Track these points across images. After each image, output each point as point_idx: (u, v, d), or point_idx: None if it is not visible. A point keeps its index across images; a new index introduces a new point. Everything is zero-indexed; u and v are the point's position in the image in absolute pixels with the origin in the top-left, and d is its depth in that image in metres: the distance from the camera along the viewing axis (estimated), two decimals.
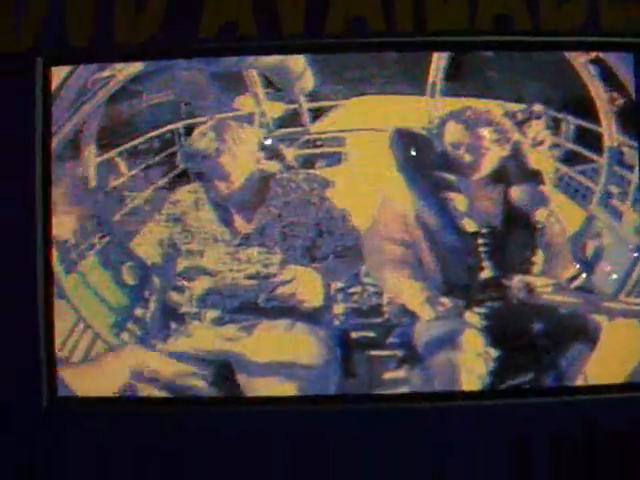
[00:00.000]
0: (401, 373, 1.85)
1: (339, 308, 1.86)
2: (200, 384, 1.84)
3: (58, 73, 1.89)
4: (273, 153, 1.85)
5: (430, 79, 1.87)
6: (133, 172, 1.87)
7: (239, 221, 1.85)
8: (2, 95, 1.88)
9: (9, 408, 1.86)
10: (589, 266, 1.89)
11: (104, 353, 1.86)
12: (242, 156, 1.85)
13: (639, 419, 1.87)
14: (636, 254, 1.89)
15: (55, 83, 1.89)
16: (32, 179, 1.87)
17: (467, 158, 1.89)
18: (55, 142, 1.88)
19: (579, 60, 1.89)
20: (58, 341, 1.85)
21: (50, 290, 1.86)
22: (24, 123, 1.88)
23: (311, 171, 1.86)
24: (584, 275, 1.89)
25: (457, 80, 1.88)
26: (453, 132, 1.88)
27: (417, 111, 1.87)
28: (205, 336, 1.85)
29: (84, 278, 1.87)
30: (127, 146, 1.87)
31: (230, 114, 1.86)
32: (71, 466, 1.87)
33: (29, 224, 1.86)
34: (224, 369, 1.84)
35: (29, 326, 1.84)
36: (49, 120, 1.89)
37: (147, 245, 1.86)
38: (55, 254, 1.86)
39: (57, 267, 1.86)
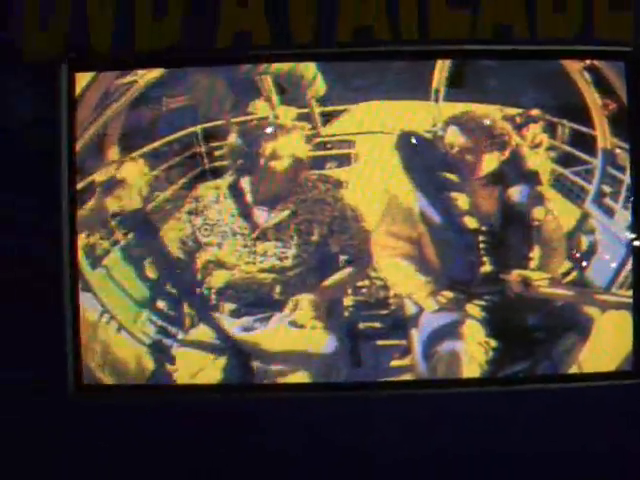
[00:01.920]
0: (406, 361, 1.96)
1: (348, 301, 1.97)
2: (219, 372, 1.96)
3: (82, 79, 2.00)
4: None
5: (434, 85, 1.96)
6: (155, 172, 1.98)
7: (258, 216, 1.96)
8: (31, 99, 2.00)
9: (37, 394, 1.96)
10: (583, 261, 2.00)
11: (127, 343, 1.97)
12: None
13: (630, 404, 1.98)
14: (627, 249, 1.99)
15: (79, 88, 2.00)
16: (58, 180, 1.96)
17: (468, 159, 1.99)
18: (80, 144, 1.98)
19: (574, 68, 1.99)
20: (84, 332, 1.96)
21: (76, 283, 1.96)
22: (51, 125, 1.98)
23: (324, 172, 1.96)
24: (578, 269, 2.00)
25: (459, 86, 1.97)
26: (455, 135, 1.98)
27: (421, 115, 1.97)
28: (223, 327, 1.96)
29: (109, 272, 1.97)
30: (148, 148, 1.99)
31: (246, 117, 1.97)
32: (94, 452, 1.97)
33: (56, 223, 1.96)
34: (241, 358, 1.95)
35: (57, 317, 1.95)
36: (74, 123, 1.98)
37: (169, 240, 1.97)
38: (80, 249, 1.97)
39: (83, 262, 1.97)
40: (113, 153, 1.99)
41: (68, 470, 1.96)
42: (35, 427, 1.98)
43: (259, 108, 1.96)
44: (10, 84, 2.02)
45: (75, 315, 1.96)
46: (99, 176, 1.98)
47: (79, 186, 1.97)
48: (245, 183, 1.96)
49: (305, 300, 1.94)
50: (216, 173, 1.96)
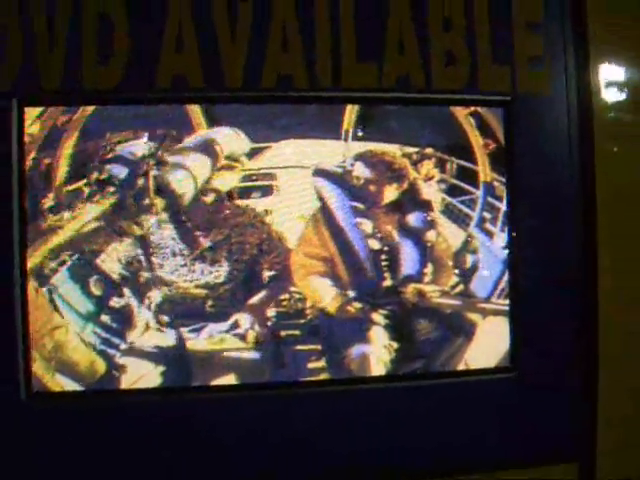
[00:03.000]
0: (321, 363, 2.24)
1: (271, 311, 2.23)
2: (157, 377, 2.18)
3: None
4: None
5: (344, 126, 2.25)
6: (96, 198, 2.18)
7: (196, 238, 2.19)
8: None
9: None
10: (468, 275, 2.33)
11: (74, 352, 2.16)
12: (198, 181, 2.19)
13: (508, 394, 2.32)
14: (504, 266, 2.34)
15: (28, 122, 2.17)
16: (9, 208, 2.12)
17: (372, 190, 2.28)
18: (28, 173, 2.15)
19: (461, 113, 2.32)
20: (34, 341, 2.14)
21: (25, 299, 2.13)
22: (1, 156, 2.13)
23: (250, 201, 2.22)
24: (464, 283, 2.32)
25: (366, 128, 2.27)
26: (361, 169, 2.27)
27: (333, 152, 2.25)
28: (161, 336, 2.19)
29: (57, 290, 2.16)
30: (93, 178, 2.18)
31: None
32: (47, 457, 2.11)
33: (7, 246, 2.12)
34: (178, 364, 2.18)
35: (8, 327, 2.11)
36: (23, 154, 2.15)
37: (111, 261, 2.18)
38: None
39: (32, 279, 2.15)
40: (60, 181, 2.17)
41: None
42: None
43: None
44: None
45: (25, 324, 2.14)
46: (48, 201, 2.17)
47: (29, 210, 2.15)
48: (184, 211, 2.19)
49: (243, 318, 2.20)
50: (157, 202, 2.18)
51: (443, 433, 2.28)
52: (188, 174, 2.20)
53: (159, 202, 2.18)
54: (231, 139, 2.22)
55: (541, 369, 2.33)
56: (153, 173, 2.18)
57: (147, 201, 2.17)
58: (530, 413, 2.34)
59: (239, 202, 2.22)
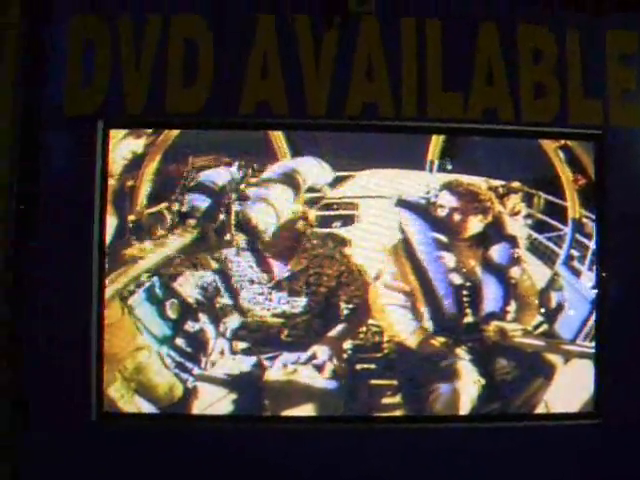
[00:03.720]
0: (397, 399, 2.19)
1: (347, 344, 2.19)
2: (230, 404, 2.16)
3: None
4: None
5: (429, 157, 2.22)
6: (178, 231, 2.17)
7: (274, 268, 2.18)
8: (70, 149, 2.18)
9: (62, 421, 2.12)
10: (552, 315, 2.24)
11: (147, 375, 2.17)
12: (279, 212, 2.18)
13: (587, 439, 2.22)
14: (591, 306, 2.24)
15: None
16: (90, 228, 2.16)
17: (456, 221, 2.23)
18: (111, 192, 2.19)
19: (550, 146, 2.25)
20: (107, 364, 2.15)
21: (102, 320, 2.16)
22: (86, 174, 2.17)
23: (330, 230, 2.18)
24: (548, 323, 2.23)
25: (451, 159, 2.22)
26: (446, 197, 2.22)
27: (417, 183, 2.21)
28: (236, 363, 2.16)
29: (132, 311, 2.17)
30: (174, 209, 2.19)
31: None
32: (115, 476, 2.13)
33: (87, 266, 2.15)
34: (251, 391, 2.16)
35: (84, 349, 2.14)
36: (106, 174, 2.19)
37: (188, 285, 2.18)
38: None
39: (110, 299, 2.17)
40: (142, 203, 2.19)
41: None
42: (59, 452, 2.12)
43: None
44: (52, 138, 2.20)
45: (100, 348, 2.15)
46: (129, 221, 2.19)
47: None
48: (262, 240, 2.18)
49: (319, 349, 2.16)
50: (238, 237, 2.17)
51: (522, 477, 2.19)
52: (269, 206, 2.18)
53: (239, 237, 2.17)
54: (313, 168, 2.20)
55: (627, 416, 2.21)
56: (235, 207, 2.18)
57: (228, 236, 2.17)
58: (614, 461, 2.22)
59: (319, 231, 2.19)
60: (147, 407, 2.16)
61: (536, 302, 2.24)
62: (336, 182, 2.20)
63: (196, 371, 2.16)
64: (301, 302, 2.17)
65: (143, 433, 2.16)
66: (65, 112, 2.19)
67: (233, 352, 2.16)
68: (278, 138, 2.20)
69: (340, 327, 2.18)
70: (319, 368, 2.17)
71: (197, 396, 2.16)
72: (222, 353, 2.16)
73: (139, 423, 2.18)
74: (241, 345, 2.17)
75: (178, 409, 2.17)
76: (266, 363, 2.16)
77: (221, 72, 2.20)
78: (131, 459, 2.12)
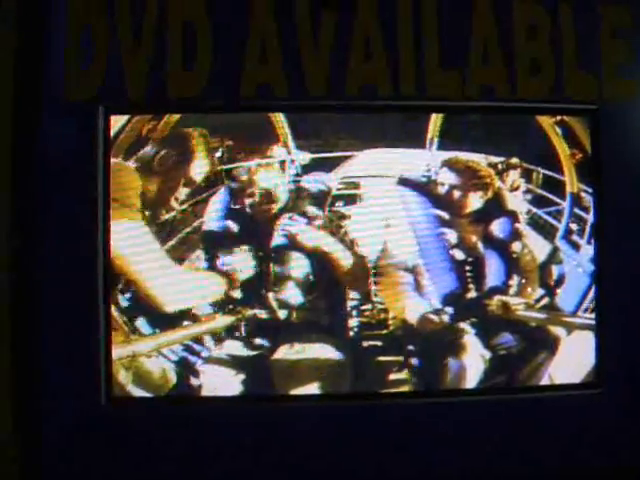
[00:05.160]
0: (403, 375, 2.21)
1: (353, 322, 2.21)
2: (239, 385, 2.18)
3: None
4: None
5: (428, 135, 2.23)
6: (183, 207, 2.19)
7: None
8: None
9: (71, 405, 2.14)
10: (553, 288, 2.27)
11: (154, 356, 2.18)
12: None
13: (591, 411, 2.26)
14: (590, 279, 2.27)
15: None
16: (95, 214, 2.16)
17: (456, 197, 2.25)
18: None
19: (547, 122, 2.28)
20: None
21: (108, 305, 2.16)
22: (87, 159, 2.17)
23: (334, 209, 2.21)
24: (549, 296, 2.26)
25: (450, 137, 2.24)
26: (446, 178, 2.25)
27: (418, 161, 2.23)
28: (242, 345, 2.18)
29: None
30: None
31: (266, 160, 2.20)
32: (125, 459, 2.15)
33: (93, 244, 2.16)
34: (258, 372, 2.18)
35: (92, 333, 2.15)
36: (109, 160, 2.18)
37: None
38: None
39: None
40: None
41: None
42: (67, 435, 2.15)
43: (277, 153, 2.21)
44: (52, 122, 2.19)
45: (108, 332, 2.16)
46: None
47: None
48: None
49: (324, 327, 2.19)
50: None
51: (525, 448, 2.22)
52: (269, 188, 2.20)
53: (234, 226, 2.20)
54: (312, 149, 2.21)
55: (628, 385, 2.25)
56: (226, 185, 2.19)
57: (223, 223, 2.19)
58: (615, 430, 2.25)
59: (321, 212, 2.21)
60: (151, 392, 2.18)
61: (537, 276, 2.26)
62: (337, 162, 2.21)
63: (204, 354, 2.17)
64: (306, 282, 2.19)
65: (151, 417, 2.18)
66: (65, 98, 2.17)
67: (240, 333, 2.18)
68: (279, 120, 2.21)
69: (345, 305, 2.20)
70: (324, 346, 2.19)
71: (206, 378, 2.17)
72: (231, 335, 2.18)
73: (148, 406, 2.19)
74: (247, 326, 2.18)
75: (186, 392, 2.18)
76: (272, 344, 2.18)
77: (220, 55, 2.20)
78: (140, 442, 2.14)
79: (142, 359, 2.16)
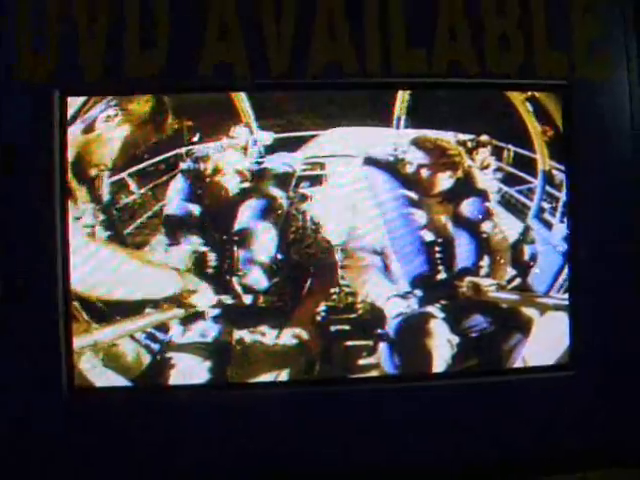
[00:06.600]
0: (372, 359, 2.17)
1: (320, 306, 2.15)
2: (204, 373, 2.12)
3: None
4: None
5: (395, 114, 2.18)
6: (142, 191, 2.13)
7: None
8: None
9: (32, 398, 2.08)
10: (525, 268, 2.23)
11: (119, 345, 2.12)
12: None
13: (565, 393, 2.22)
14: (563, 258, 2.23)
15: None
16: (51, 198, 2.09)
17: (425, 177, 2.20)
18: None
19: (518, 99, 2.22)
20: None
21: (68, 293, 2.10)
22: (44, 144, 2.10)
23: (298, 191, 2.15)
24: (521, 276, 2.22)
25: (418, 115, 2.18)
26: (414, 157, 2.19)
27: (384, 140, 2.17)
28: (207, 331, 2.13)
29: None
30: (136, 168, 2.13)
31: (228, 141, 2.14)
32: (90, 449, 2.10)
33: (49, 234, 2.09)
34: (225, 359, 2.13)
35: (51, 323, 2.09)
36: (65, 144, 2.12)
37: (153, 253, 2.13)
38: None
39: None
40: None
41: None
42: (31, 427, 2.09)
43: (239, 133, 2.14)
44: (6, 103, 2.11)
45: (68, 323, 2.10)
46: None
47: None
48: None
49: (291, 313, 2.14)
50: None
51: (499, 431, 2.19)
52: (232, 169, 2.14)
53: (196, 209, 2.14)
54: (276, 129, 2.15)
55: (602, 367, 2.21)
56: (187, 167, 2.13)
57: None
58: (589, 412, 2.22)
59: (285, 194, 2.15)
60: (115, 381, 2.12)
61: (509, 256, 2.22)
62: (301, 142, 2.15)
63: (167, 341, 2.12)
64: (271, 265, 2.14)
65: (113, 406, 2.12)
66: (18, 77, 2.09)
67: (205, 319, 2.12)
68: (241, 99, 2.14)
69: (312, 289, 2.15)
70: (292, 332, 2.14)
71: (169, 367, 2.12)
72: (196, 321, 2.13)
73: (110, 396, 2.14)
74: (212, 312, 2.13)
75: (150, 380, 2.12)
76: (238, 330, 2.13)
77: (179, 34, 2.13)
78: (105, 434, 2.09)
79: (104, 348, 2.10)
